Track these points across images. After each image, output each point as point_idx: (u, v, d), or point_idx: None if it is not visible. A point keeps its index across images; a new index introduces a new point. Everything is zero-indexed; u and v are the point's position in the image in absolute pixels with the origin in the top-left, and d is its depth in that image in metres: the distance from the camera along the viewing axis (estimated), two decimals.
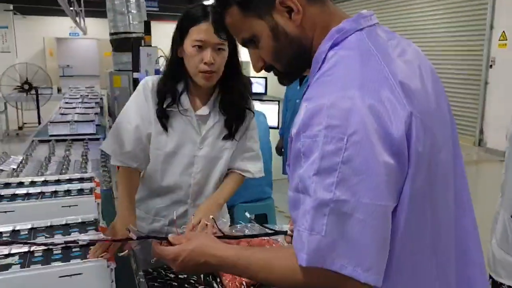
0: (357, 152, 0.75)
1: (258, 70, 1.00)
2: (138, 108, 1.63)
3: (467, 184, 0.98)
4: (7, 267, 1.08)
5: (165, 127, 1.62)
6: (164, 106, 1.60)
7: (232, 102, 1.63)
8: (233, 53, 1.60)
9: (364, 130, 0.75)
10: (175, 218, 1.58)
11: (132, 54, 3.31)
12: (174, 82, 1.61)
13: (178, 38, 1.56)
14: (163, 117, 1.61)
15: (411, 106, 0.80)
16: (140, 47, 3.20)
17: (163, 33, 4.08)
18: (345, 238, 0.75)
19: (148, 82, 1.64)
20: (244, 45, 0.98)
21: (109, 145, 1.67)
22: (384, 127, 0.76)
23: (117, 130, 1.65)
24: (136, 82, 3.31)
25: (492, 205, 1.68)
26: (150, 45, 3.50)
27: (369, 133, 0.75)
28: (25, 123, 8.80)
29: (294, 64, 0.96)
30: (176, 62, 1.59)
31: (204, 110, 1.64)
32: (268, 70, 1.00)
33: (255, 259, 0.89)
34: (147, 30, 3.78)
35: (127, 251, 1.28)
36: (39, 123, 7.28)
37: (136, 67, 3.23)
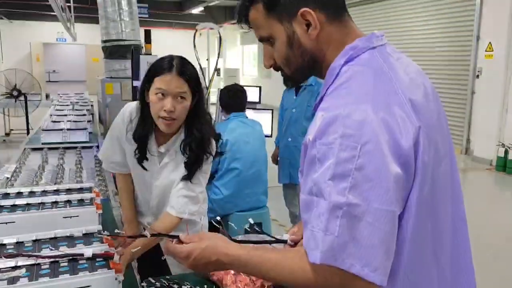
0: (369, 160, 0.80)
1: (267, 67, 1.06)
2: (118, 129, 1.86)
3: (462, 196, 1.04)
4: (15, 280, 1.07)
5: (144, 168, 1.82)
6: (138, 149, 1.79)
7: (199, 145, 1.75)
8: (198, 103, 1.74)
9: (376, 141, 0.81)
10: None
11: (132, 62, 3.31)
12: (145, 128, 1.76)
13: (145, 85, 1.71)
14: (143, 160, 1.80)
15: (419, 121, 0.87)
16: (141, 56, 3.21)
17: (154, 40, 4.10)
18: (355, 240, 0.80)
19: (126, 111, 1.84)
20: (260, 40, 1.03)
21: (102, 153, 1.96)
22: (395, 139, 0.82)
23: (107, 141, 1.92)
24: (135, 89, 3.32)
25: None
26: (150, 54, 3.51)
27: (380, 143, 0.81)
28: (12, 130, 8.68)
29: (301, 72, 1.02)
30: (145, 106, 1.74)
31: (162, 148, 1.81)
32: (276, 70, 1.06)
33: (266, 258, 0.93)
34: (147, 38, 3.79)
35: (139, 247, 1.48)
36: (28, 129, 7.18)
37: (136, 75, 3.23)
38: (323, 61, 0.97)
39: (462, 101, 8.18)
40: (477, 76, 7.86)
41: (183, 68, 1.66)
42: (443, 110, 1.02)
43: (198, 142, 1.74)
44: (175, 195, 1.76)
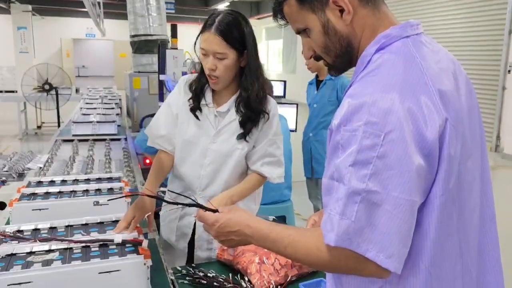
0: (391, 149, 0.80)
1: (307, 58, 1.08)
2: (172, 97, 1.84)
3: (492, 196, 1.01)
4: (49, 262, 1.13)
5: (197, 117, 1.75)
6: (192, 99, 1.75)
7: (247, 103, 1.70)
8: (252, 58, 1.68)
9: (400, 130, 0.81)
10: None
11: (158, 56, 3.36)
12: (203, 79, 1.74)
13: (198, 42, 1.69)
14: (196, 110, 1.75)
15: (447, 113, 0.85)
16: (167, 50, 3.25)
17: (180, 35, 4.15)
18: (372, 226, 0.81)
19: (185, 78, 1.85)
20: (298, 33, 1.05)
21: (150, 125, 1.85)
22: (419, 130, 0.82)
23: (158, 112, 1.85)
24: (161, 83, 3.37)
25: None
26: (176, 48, 3.56)
27: (404, 133, 0.81)
28: (43, 123, 8.94)
29: (342, 60, 1.02)
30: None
31: (223, 107, 1.75)
32: (317, 60, 1.07)
33: (286, 234, 0.95)
34: (174, 33, 3.83)
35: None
36: (59, 122, 7.38)
37: (162, 69, 3.28)
38: (358, 47, 0.98)
39: (492, 97, 7.96)
40: (509, 71, 7.63)
41: (223, 27, 1.59)
42: (477, 105, 1.00)
43: (245, 101, 1.70)
44: (257, 164, 1.76)
